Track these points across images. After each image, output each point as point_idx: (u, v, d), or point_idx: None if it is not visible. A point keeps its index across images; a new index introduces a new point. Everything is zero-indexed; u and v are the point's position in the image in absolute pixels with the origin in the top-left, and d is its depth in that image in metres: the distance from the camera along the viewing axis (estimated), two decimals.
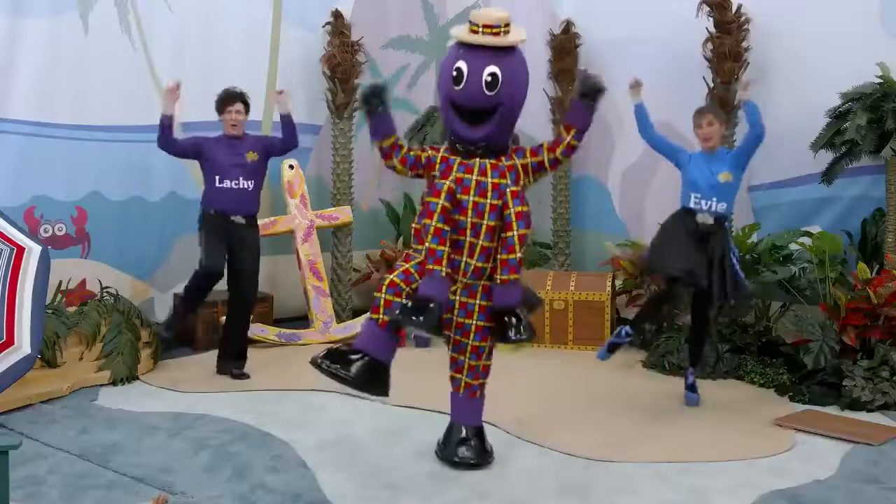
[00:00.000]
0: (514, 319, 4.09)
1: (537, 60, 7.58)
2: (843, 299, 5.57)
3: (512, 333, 4.09)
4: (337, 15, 7.54)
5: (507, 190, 4.07)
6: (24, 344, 4.83)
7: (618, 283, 6.99)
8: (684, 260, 4.97)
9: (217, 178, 5.80)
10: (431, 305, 3.91)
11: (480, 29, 4.01)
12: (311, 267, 7.18)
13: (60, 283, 6.19)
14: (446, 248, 4.02)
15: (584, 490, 4.04)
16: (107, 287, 6.46)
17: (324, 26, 7.55)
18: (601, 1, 7.44)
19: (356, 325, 7.15)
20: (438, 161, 4.15)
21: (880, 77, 5.81)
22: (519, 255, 4.06)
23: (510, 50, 4.08)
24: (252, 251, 5.94)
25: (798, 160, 6.30)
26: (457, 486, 4.08)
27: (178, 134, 6.09)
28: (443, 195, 4.02)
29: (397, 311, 3.96)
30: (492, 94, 4.00)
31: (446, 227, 4.02)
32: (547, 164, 4.21)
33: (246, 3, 7.34)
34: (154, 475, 4.17)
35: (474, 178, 4.07)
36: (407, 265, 4.12)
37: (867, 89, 5.81)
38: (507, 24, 4.05)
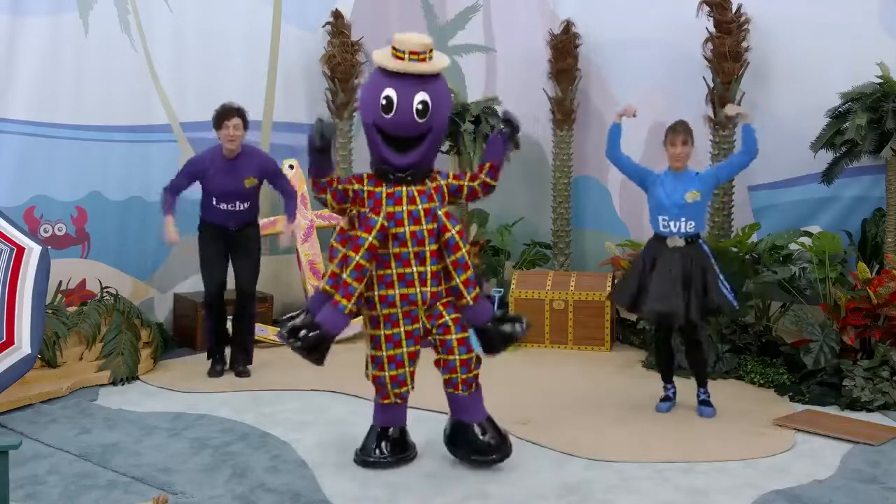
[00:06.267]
0: (507, 323, 4.17)
1: (537, 60, 7.59)
2: (843, 299, 5.57)
3: (517, 330, 4.16)
4: (337, 15, 7.54)
5: (440, 213, 4.12)
6: (24, 344, 4.83)
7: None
8: (635, 297, 5.01)
9: (214, 199, 5.78)
10: (323, 336, 4.04)
11: (406, 56, 3.98)
12: (311, 267, 7.17)
13: (60, 283, 6.20)
14: (360, 288, 4.07)
15: (584, 490, 4.04)
16: (107, 287, 6.46)
17: (324, 26, 7.55)
18: (601, 1, 7.43)
19: (357, 326, 7.14)
20: (366, 196, 4.15)
21: (880, 77, 5.80)
22: (472, 270, 4.15)
23: (437, 76, 4.10)
24: (250, 252, 5.96)
25: (798, 160, 6.30)
26: (457, 486, 4.09)
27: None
28: (374, 232, 4.03)
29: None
30: (422, 121, 4.03)
31: (368, 266, 4.06)
32: (465, 191, 4.28)
33: (246, 3, 7.34)
34: (154, 475, 4.17)
35: (405, 208, 4.10)
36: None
37: (867, 89, 5.80)
38: (431, 50, 4.05)
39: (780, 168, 6.54)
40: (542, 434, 4.77)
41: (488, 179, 4.29)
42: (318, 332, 4.05)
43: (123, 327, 6.12)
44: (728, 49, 6.50)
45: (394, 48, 4.02)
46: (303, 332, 4.07)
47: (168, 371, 6.13)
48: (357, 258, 4.03)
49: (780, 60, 6.52)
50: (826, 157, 6.08)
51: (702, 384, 5.23)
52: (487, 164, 4.31)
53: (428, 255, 4.11)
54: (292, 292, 7.39)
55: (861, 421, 4.99)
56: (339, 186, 4.17)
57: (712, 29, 6.61)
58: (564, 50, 7.44)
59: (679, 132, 5.04)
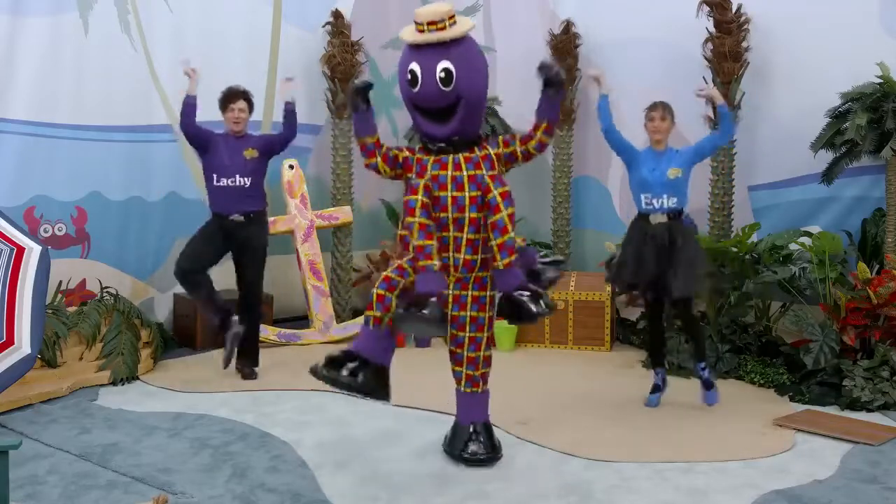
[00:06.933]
0: (528, 296, 4.10)
1: (537, 60, 7.56)
2: (843, 299, 5.57)
3: (534, 308, 4.10)
4: (337, 15, 7.54)
5: (485, 176, 4.10)
6: (24, 344, 4.83)
7: None
8: (634, 274, 5.03)
9: (214, 176, 5.78)
10: (431, 301, 3.95)
11: (426, 27, 4.01)
12: (311, 267, 7.18)
13: (60, 283, 6.20)
14: (434, 242, 4.05)
15: (584, 490, 4.04)
16: (107, 287, 6.46)
17: (324, 26, 7.55)
18: (601, 1, 7.44)
19: (356, 325, 7.13)
20: (414, 163, 4.20)
21: (880, 77, 5.80)
22: (512, 234, 4.07)
23: (460, 42, 4.08)
24: (253, 252, 5.90)
25: (798, 160, 6.30)
26: (457, 486, 4.09)
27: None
28: (420, 191, 4.06)
29: (399, 315, 4.00)
30: (448, 89, 4.02)
31: (430, 222, 4.06)
32: (519, 155, 4.24)
33: (246, 3, 7.34)
34: (154, 475, 4.17)
35: (449, 173, 4.12)
36: (400, 261, 4.17)
37: (867, 89, 5.80)
38: (451, 17, 4.05)
39: (780, 168, 6.55)
40: (542, 434, 4.77)
41: (545, 138, 4.23)
42: (433, 303, 3.97)
43: (123, 327, 6.12)
44: (728, 49, 6.50)
45: (415, 22, 4.06)
46: (423, 310, 3.98)
47: (168, 371, 6.13)
48: (417, 219, 4.04)
49: (780, 60, 6.52)
50: (826, 157, 6.08)
51: (701, 357, 5.27)
52: (544, 125, 4.21)
53: (467, 221, 4.11)
54: (292, 292, 7.39)
55: (861, 421, 4.99)
56: (391, 152, 4.23)
57: (712, 29, 6.61)
58: (564, 50, 7.44)
59: (657, 107, 5.13)
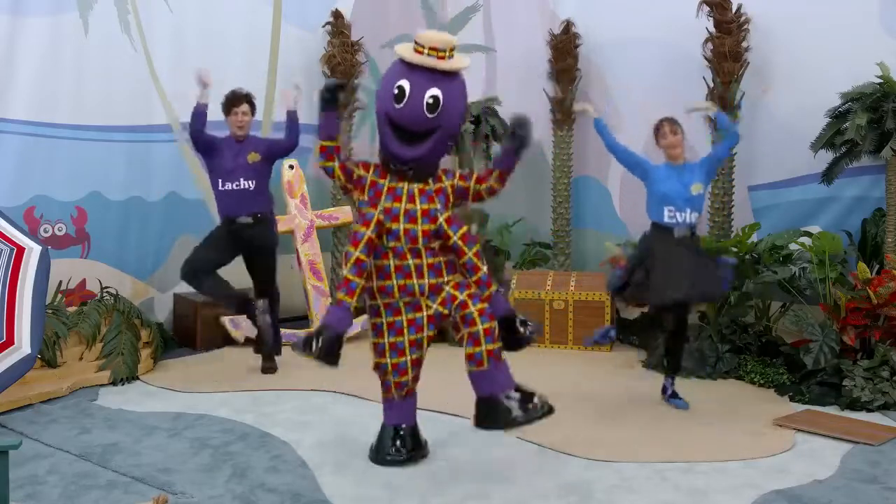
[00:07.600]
0: (517, 324, 4.13)
1: (537, 60, 7.60)
2: (843, 299, 5.57)
3: (525, 332, 4.16)
4: (337, 15, 7.55)
5: (440, 217, 4.10)
6: (24, 344, 4.83)
7: None
8: (677, 289, 4.96)
9: (220, 181, 5.81)
10: (329, 336, 3.95)
11: (426, 50, 4.02)
12: (311, 267, 7.18)
13: (60, 283, 6.20)
14: (362, 282, 4.06)
15: (584, 490, 4.04)
16: (107, 287, 6.47)
17: (324, 26, 7.55)
18: (601, 1, 7.44)
19: (356, 325, 7.15)
20: (368, 185, 4.17)
21: (880, 77, 5.80)
22: (484, 269, 4.12)
23: (452, 75, 4.10)
24: (263, 251, 5.97)
25: (798, 160, 6.30)
26: (457, 486, 4.09)
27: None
28: (372, 226, 4.05)
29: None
30: (432, 116, 4.02)
31: (367, 260, 4.06)
32: (471, 193, 4.25)
33: (246, 3, 7.36)
34: (154, 475, 4.17)
35: (403, 206, 4.11)
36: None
37: (867, 89, 5.80)
38: (452, 49, 4.07)
39: (780, 168, 6.55)
40: (542, 434, 4.76)
41: (496, 185, 4.25)
42: (326, 335, 4.00)
43: (123, 327, 6.12)
44: (728, 49, 6.50)
45: (416, 42, 4.06)
46: (314, 341, 4.00)
47: (168, 371, 6.14)
48: (356, 253, 4.03)
49: (780, 60, 6.52)
50: (826, 157, 6.08)
51: (675, 371, 5.36)
52: (497, 172, 4.24)
53: (423, 250, 4.11)
54: (292, 292, 7.39)
55: (861, 421, 4.99)
56: (348, 163, 4.21)
57: (712, 29, 6.61)
58: (564, 50, 7.44)
59: (665, 122, 5.14)
